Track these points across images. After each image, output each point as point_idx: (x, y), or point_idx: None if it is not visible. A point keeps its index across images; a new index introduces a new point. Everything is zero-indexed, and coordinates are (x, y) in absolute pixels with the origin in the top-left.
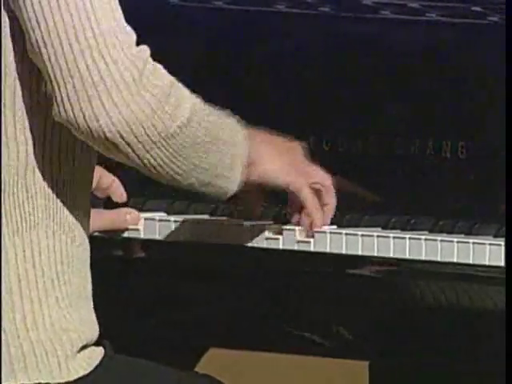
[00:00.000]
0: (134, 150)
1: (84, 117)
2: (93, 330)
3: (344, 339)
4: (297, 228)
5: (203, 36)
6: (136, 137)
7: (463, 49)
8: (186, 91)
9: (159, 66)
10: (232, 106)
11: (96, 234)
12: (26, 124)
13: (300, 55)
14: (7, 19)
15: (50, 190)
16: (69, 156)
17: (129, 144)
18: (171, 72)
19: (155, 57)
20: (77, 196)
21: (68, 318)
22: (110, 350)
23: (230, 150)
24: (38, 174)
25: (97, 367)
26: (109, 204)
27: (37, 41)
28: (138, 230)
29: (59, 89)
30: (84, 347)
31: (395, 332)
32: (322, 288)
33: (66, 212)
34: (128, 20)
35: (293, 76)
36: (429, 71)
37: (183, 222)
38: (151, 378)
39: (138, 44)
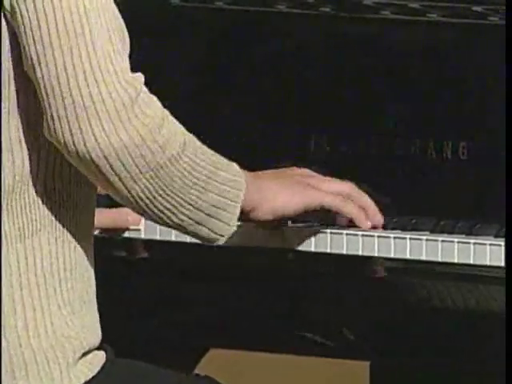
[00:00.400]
0: (120, 179)
1: (72, 139)
2: (95, 336)
3: (345, 339)
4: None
5: (204, 36)
6: (123, 164)
7: (464, 49)
8: (179, 126)
9: (153, 98)
10: (232, 106)
11: (96, 234)
12: (31, 132)
13: (301, 55)
14: (7, 32)
15: (50, 198)
16: (72, 165)
17: (115, 172)
18: (172, 72)
19: (156, 57)
20: (81, 201)
21: (70, 325)
22: (111, 354)
23: (227, 191)
24: (40, 182)
25: (98, 373)
26: (111, 203)
27: (31, 58)
28: (138, 230)
29: (50, 108)
30: (86, 353)
31: (396, 332)
32: (322, 288)
33: (69, 217)
34: (129, 21)
35: (294, 76)
36: (429, 71)
37: None
38: (152, 382)
39: (131, 52)
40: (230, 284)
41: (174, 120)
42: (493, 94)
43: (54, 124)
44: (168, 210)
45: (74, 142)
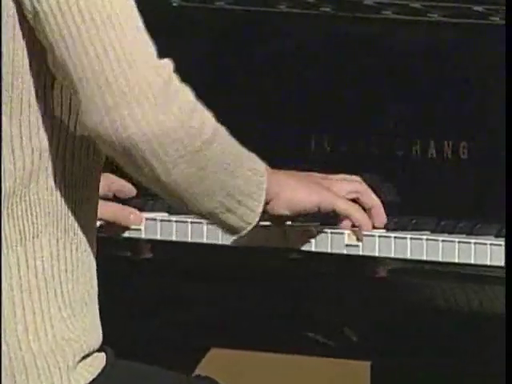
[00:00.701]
0: (161, 163)
1: (113, 127)
2: (96, 338)
3: (346, 339)
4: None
5: (205, 36)
6: (164, 149)
7: (464, 49)
8: (208, 112)
9: (183, 84)
10: (233, 106)
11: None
12: (33, 134)
13: (301, 55)
14: (20, 31)
15: (54, 198)
16: (75, 165)
17: (157, 157)
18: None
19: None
20: (83, 201)
21: (70, 328)
22: (112, 356)
23: (253, 178)
24: (42, 183)
25: (98, 375)
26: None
27: (61, 53)
28: (139, 230)
29: (86, 100)
30: (86, 356)
31: (397, 332)
32: (323, 288)
33: (71, 218)
34: None
35: (294, 76)
36: (430, 71)
37: (191, 222)
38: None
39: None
40: (230, 284)
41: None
42: (493, 93)
43: (91, 116)
44: (202, 195)
45: (114, 130)
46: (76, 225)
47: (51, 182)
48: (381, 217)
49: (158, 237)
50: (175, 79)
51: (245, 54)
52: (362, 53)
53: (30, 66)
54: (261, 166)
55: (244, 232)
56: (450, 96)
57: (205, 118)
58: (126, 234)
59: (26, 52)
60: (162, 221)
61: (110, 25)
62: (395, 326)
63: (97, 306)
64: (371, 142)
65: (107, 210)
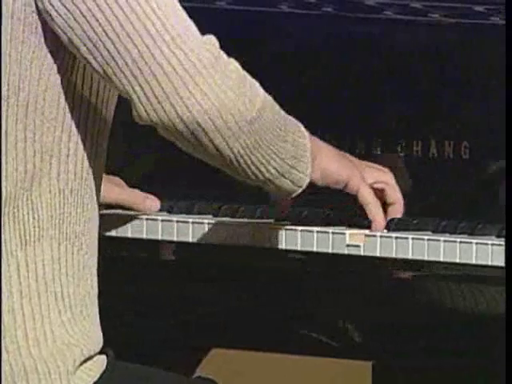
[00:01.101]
0: (224, 138)
1: (174, 113)
2: (96, 341)
3: (347, 339)
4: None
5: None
6: (226, 123)
7: (465, 49)
8: (253, 79)
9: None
10: None
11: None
12: (37, 137)
13: (303, 56)
14: (29, 36)
15: (55, 201)
16: (77, 167)
17: (220, 132)
18: None
19: None
20: (84, 204)
21: (70, 332)
22: (113, 359)
23: (301, 141)
24: (44, 186)
25: (99, 378)
26: None
27: (102, 54)
28: (140, 229)
29: (143, 91)
30: (86, 360)
31: (398, 332)
32: (324, 289)
33: (73, 221)
34: None
35: (295, 76)
36: (431, 71)
37: (192, 223)
38: None
39: None
40: (231, 284)
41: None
42: (495, 94)
43: (150, 107)
44: (262, 163)
45: (176, 115)
46: (78, 228)
47: (54, 185)
48: (399, 215)
49: (159, 237)
50: (222, 52)
51: (246, 54)
52: (363, 53)
53: (39, 70)
54: (302, 128)
55: (296, 193)
56: (451, 96)
57: (254, 85)
58: (126, 235)
59: (34, 57)
60: (162, 221)
61: (153, 13)
62: (396, 326)
63: (97, 309)
64: (372, 142)
65: (123, 196)
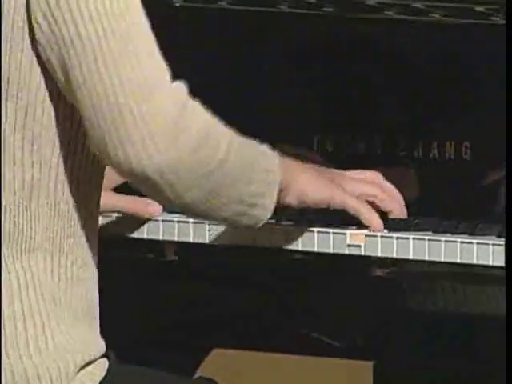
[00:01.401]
0: (174, 190)
1: (126, 158)
2: (97, 347)
3: (348, 339)
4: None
5: (207, 37)
6: (178, 177)
7: (466, 49)
8: (222, 127)
9: (197, 104)
10: (236, 106)
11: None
12: (35, 148)
13: (304, 56)
14: (29, 45)
15: (52, 214)
16: (74, 181)
17: (171, 185)
18: (176, 72)
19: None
20: (81, 218)
21: (70, 341)
22: (114, 362)
23: (266, 178)
24: (42, 198)
25: (101, 382)
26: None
27: (77, 81)
28: (140, 230)
29: (99, 131)
30: (88, 364)
31: (399, 332)
32: (325, 289)
33: (67, 234)
34: None
35: (297, 76)
36: (433, 71)
37: (193, 223)
38: None
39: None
40: (231, 284)
41: (217, 121)
42: (496, 94)
43: (104, 145)
44: (217, 208)
45: (127, 161)
46: (72, 241)
47: (51, 198)
48: (401, 213)
49: (160, 237)
50: (189, 104)
51: (247, 53)
52: (364, 53)
53: (37, 79)
54: (274, 162)
55: (258, 226)
56: (452, 96)
57: (219, 137)
58: (127, 235)
59: (33, 65)
60: (163, 221)
61: (127, 56)
62: (397, 326)
63: (97, 317)
64: (374, 142)
65: (124, 202)
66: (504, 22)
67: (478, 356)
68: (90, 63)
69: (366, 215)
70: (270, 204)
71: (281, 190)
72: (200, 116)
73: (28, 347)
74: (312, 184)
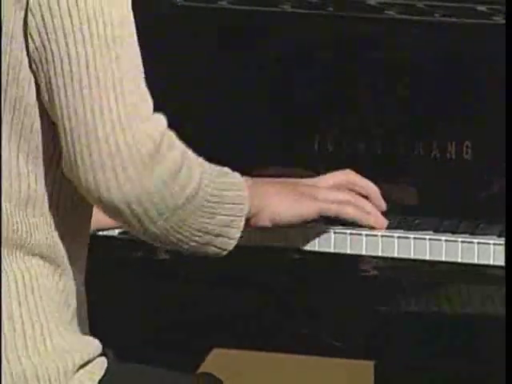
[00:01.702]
0: (139, 221)
1: (95, 185)
2: (94, 347)
3: (349, 339)
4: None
5: (209, 36)
6: (145, 210)
7: (467, 49)
8: (195, 159)
9: (173, 136)
10: (236, 105)
11: (99, 233)
12: (30, 159)
13: (305, 55)
14: (27, 60)
15: (49, 222)
16: (70, 192)
17: (136, 216)
18: (177, 72)
19: (161, 57)
20: (77, 227)
21: (68, 341)
22: (113, 360)
23: (233, 208)
24: (38, 209)
25: (100, 381)
26: None
27: (59, 100)
28: None
29: (74, 151)
30: (86, 363)
31: (400, 332)
32: (325, 288)
33: (66, 243)
34: (134, 21)
35: (298, 76)
36: (433, 71)
37: None
38: None
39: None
40: (232, 284)
41: (190, 152)
42: (497, 94)
43: (76, 168)
44: (181, 240)
45: (97, 188)
46: (64, 252)
47: (45, 210)
48: (380, 220)
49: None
50: (166, 138)
51: (248, 53)
52: (365, 53)
53: (36, 93)
54: (242, 193)
55: (224, 254)
56: (454, 96)
57: (191, 174)
58: (126, 235)
59: (31, 80)
60: None
61: (112, 83)
62: (398, 326)
63: (87, 326)
64: (373, 142)
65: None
66: (504, 21)
67: (478, 356)
68: (75, 84)
69: (344, 212)
70: (236, 233)
71: (252, 216)
72: (175, 151)
73: (26, 348)
74: (282, 204)
